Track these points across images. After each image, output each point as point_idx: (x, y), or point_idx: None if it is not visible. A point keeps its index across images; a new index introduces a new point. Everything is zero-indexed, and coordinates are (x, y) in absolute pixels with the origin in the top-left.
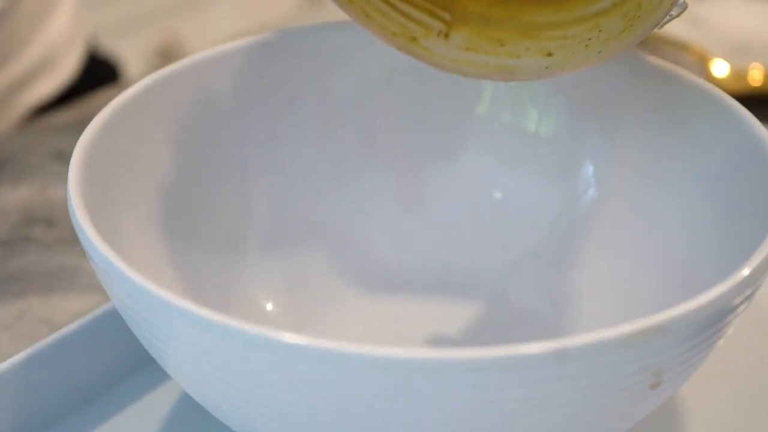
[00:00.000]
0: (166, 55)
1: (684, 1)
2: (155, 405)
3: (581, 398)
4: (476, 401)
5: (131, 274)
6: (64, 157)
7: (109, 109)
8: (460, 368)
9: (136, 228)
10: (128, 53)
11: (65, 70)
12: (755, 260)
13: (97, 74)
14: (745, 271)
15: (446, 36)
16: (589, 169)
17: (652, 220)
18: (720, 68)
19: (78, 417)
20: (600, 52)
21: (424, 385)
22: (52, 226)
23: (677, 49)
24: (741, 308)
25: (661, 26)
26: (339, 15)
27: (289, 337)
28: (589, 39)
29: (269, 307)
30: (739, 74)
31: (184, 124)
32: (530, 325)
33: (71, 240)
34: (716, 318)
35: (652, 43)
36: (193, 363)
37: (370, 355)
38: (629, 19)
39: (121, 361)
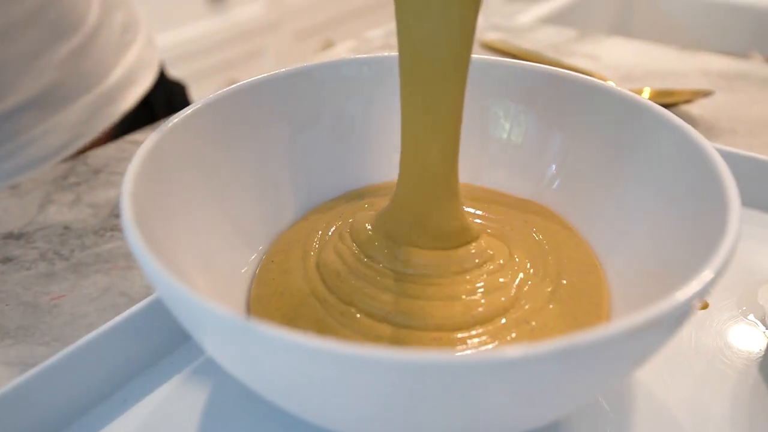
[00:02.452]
0: None
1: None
2: (210, 367)
3: (583, 379)
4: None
5: (169, 278)
6: None
7: (160, 131)
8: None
9: (176, 222)
10: (199, 93)
11: (143, 85)
12: (717, 261)
13: (169, 90)
14: (708, 274)
15: None
16: (552, 167)
17: (599, 205)
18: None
19: (149, 374)
20: None
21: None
22: None
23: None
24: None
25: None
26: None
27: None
28: None
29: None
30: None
31: (224, 137)
32: None
33: None
34: (687, 311)
35: None
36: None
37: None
38: None
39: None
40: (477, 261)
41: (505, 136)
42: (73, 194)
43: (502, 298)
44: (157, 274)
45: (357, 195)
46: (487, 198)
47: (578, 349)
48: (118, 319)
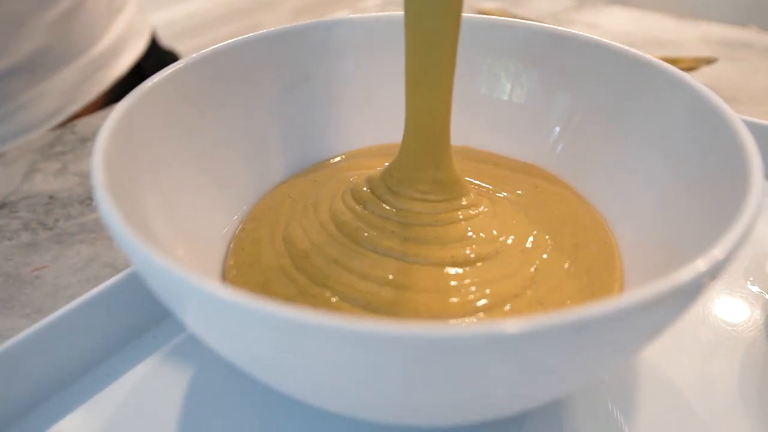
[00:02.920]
0: None
1: None
2: (196, 340)
3: (586, 358)
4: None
5: (146, 250)
6: None
7: (137, 92)
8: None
9: (151, 190)
10: None
11: (134, 52)
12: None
13: (162, 58)
14: (728, 244)
15: None
16: (555, 130)
17: (606, 170)
18: None
19: (133, 348)
20: None
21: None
22: None
23: None
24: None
25: None
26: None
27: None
28: None
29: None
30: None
31: (209, 97)
32: None
33: None
34: (704, 283)
35: None
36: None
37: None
38: None
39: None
40: (474, 247)
41: (505, 97)
42: (59, 163)
43: (513, 285)
44: (116, 231)
45: (342, 158)
46: (490, 161)
47: (583, 324)
48: (99, 289)
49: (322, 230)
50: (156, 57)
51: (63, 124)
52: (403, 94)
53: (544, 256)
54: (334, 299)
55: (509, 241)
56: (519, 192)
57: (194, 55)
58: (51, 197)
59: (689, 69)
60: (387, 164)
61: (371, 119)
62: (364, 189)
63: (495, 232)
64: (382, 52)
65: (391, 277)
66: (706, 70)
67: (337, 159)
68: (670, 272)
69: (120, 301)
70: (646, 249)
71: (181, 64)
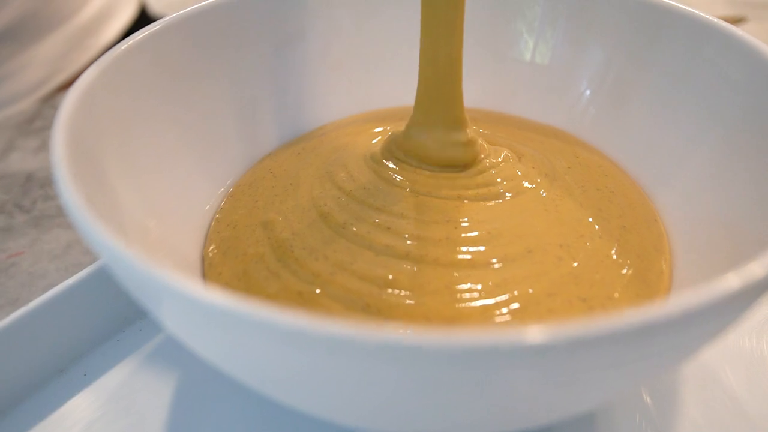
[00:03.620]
0: None
1: None
2: None
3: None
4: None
5: (116, 246)
6: None
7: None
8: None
9: (120, 176)
10: None
11: (123, 19)
12: None
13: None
14: None
15: None
16: (586, 93)
17: (644, 139)
18: None
19: (114, 344)
20: None
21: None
22: None
23: None
24: None
25: None
26: None
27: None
28: None
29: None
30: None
31: (192, 61)
32: None
33: None
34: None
35: None
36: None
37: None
38: None
39: None
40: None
41: (528, 56)
42: (38, 139)
43: (547, 283)
44: (76, 216)
45: (333, 126)
46: (514, 123)
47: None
48: (78, 277)
49: (304, 217)
50: (146, 25)
51: (49, 96)
52: (403, 54)
53: (588, 244)
54: (324, 300)
55: (545, 236)
56: (564, 164)
57: (175, 14)
58: (29, 177)
59: None
60: (390, 133)
61: (368, 84)
62: (356, 171)
63: (524, 227)
64: (384, 7)
65: (391, 277)
66: None
67: (328, 126)
68: (726, 260)
69: (101, 291)
70: (693, 227)
71: (159, 25)
